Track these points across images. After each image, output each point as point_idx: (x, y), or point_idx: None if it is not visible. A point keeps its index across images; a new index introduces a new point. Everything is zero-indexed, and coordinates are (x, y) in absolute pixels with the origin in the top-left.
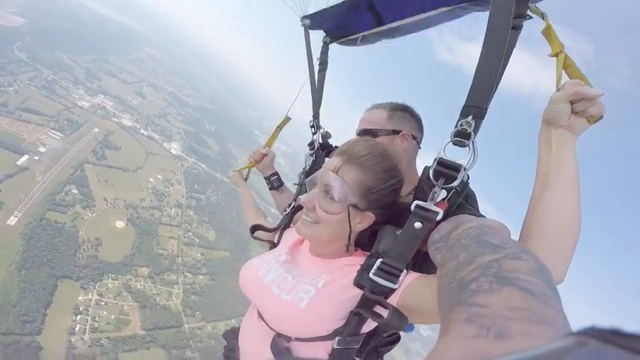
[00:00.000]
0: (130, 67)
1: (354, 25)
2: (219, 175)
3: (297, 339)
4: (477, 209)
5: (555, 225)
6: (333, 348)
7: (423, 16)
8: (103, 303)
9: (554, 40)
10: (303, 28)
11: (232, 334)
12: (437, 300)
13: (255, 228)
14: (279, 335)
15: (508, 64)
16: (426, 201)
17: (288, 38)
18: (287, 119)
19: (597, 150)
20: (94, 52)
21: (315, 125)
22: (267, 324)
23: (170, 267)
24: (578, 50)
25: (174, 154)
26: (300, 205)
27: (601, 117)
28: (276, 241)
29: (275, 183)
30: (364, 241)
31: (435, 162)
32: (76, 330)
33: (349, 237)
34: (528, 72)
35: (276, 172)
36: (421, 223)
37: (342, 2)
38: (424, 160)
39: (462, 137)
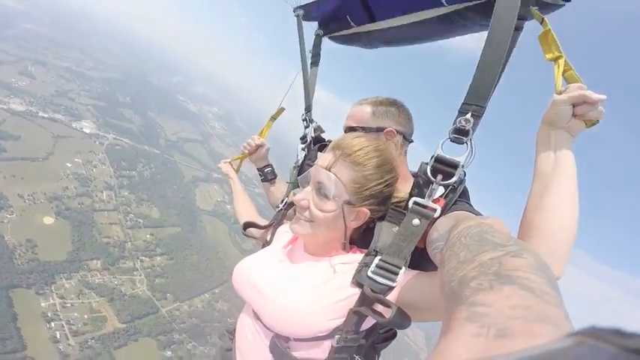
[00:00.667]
0: (3, 45)
1: (347, 19)
2: (147, 147)
3: (296, 339)
4: (470, 204)
5: (556, 226)
6: (332, 346)
7: (414, 16)
8: (69, 305)
9: (554, 45)
10: (296, 19)
11: (228, 335)
12: (438, 299)
13: (247, 225)
14: (277, 336)
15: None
16: (423, 198)
17: None
18: (281, 109)
19: None
20: None
21: (308, 119)
22: (264, 324)
23: (122, 254)
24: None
25: (88, 133)
26: (292, 202)
27: (597, 121)
28: (268, 239)
29: (269, 175)
30: (358, 238)
31: (433, 159)
32: (58, 337)
33: (345, 234)
34: None
35: (270, 164)
36: (419, 219)
37: None
38: (422, 157)
39: (460, 134)
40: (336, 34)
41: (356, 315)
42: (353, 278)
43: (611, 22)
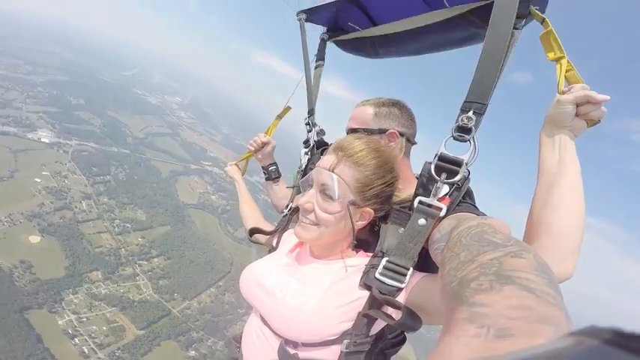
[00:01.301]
0: None
1: (349, 22)
2: (115, 148)
3: (305, 344)
4: (475, 205)
5: (564, 224)
6: (341, 352)
7: (417, 20)
8: (84, 319)
9: (556, 45)
10: (299, 23)
11: (235, 341)
12: (439, 299)
13: (253, 231)
14: (286, 341)
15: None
16: (428, 197)
17: None
18: (288, 108)
19: None
20: None
21: (311, 123)
22: (271, 329)
23: (119, 261)
24: None
25: (48, 143)
26: (297, 206)
27: (599, 121)
28: (275, 244)
29: (273, 174)
30: (363, 240)
31: (436, 157)
32: (87, 352)
33: (353, 235)
34: None
35: (275, 163)
36: (425, 219)
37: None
38: (426, 156)
39: (462, 132)
40: (341, 37)
41: (365, 318)
42: (361, 280)
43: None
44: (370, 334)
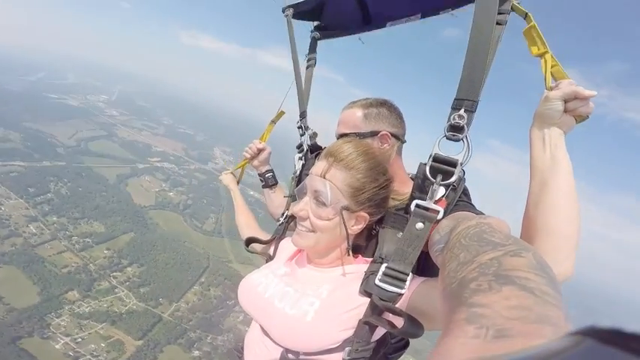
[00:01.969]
0: None
1: (341, 21)
2: (47, 163)
3: (306, 353)
4: (472, 204)
5: (559, 221)
6: (343, 359)
7: (409, 20)
8: (79, 340)
9: (539, 41)
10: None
11: (237, 353)
12: (440, 301)
13: (249, 241)
14: (287, 351)
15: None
16: (424, 200)
17: None
18: (281, 113)
19: None
20: None
21: (303, 126)
22: (272, 340)
23: (92, 277)
24: None
25: None
26: (293, 215)
27: (588, 116)
28: (272, 253)
29: (270, 180)
30: (362, 246)
31: (431, 158)
32: None
33: (348, 240)
34: None
35: (271, 169)
36: (422, 223)
37: None
38: (419, 151)
39: (455, 131)
40: (334, 37)
41: (366, 325)
42: (361, 287)
43: None
44: (372, 341)
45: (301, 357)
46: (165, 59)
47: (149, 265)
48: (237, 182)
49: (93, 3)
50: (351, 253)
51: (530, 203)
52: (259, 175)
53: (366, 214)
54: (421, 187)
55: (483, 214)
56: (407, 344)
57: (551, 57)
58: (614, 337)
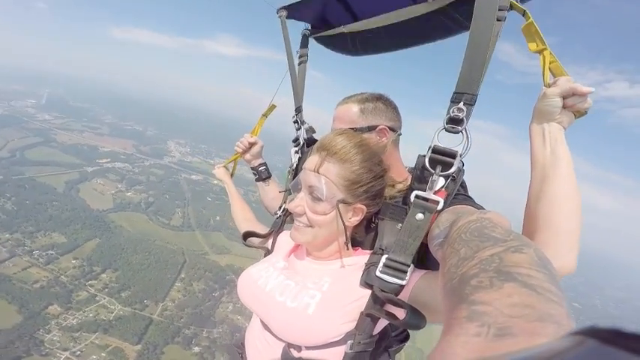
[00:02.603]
0: None
1: (331, 18)
2: None
3: (308, 347)
4: (470, 197)
5: (561, 215)
6: (346, 352)
7: (398, 14)
8: (79, 352)
9: (537, 37)
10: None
11: (237, 349)
12: (440, 297)
13: (247, 235)
14: (289, 345)
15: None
16: (424, 190)
17: None
18: (273, 106)
19: None
20: None
21: (299, 120)
22: (273, 334)
23: (67, 289)
24: None
25: None
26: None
27: (586, 112)
28: (270, 247)
29: (263, 174)
30: (361, 239)
31: (430, 150)
32: None
33: (346, 233)
34: None
35: (265, 163)
36: (422, 213)
37: None
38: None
39: (454, 124)
40: (323, 33)
41: (368, 317)
42: (361, 279)
43: None
44: (374, 333)
45: (303, 351)
46: (98, 57)
47: (124, 268)
48: (231, 176)
49: (1, 6)
50: (350, 245)
51: (531, 197)
52: (252, 168)
53: (363, 206)
54: (420, 178)
55: (483, 208)
56: (407, 337)
57: (550, 53)
58: (614, 337)
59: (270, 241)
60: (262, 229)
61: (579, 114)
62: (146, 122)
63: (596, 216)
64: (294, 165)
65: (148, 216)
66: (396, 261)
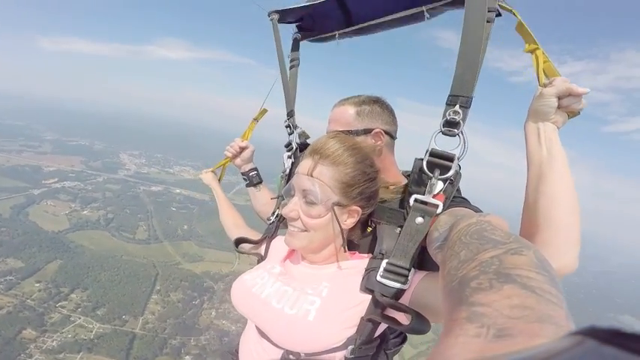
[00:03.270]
0: None
1: (324, 23)
2: None
3: (308, 354)
4: (467, 199)
5: (559, 213)
6: (346, 358)
7: (394, 16)
8: None
9: (529, 37)
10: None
11: (231, 355)
12: (441, 299)
13: (239, 241)
14: (287, 352)
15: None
16: (422, 194)
17: None
18: (264, 111)
19: None
20: None
21: (291, 125)
22: (271, 342)
23: (38, 312)
24: None
25: None
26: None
27: (579, 112)
28: (263, 253)
29: (254, 179)
30: (357, 241)
31: (428, 153)
32: None
33: (342, 235)
34: None
35: (256, 168)
36: (422, 217)
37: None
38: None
39: (451, 127)
40: (315, 38)
41: (369, 322)
42: (362, 284)
43: None
44: (374, 338)
45: (302, 358)
46: (29, 71)
47: (94, 287)
48: (219, 181)
49: None
50: (346, 248)
51: (529, 197)
52: (243, 173)
53: (357, 207)
54: (418, 181)
55: (481, 210)
56: (405, 339)
57: (542, 53)
58: (614, 337)
59: (263, 247)
60: (253, 235)
61: (573, 114)
62: (92, 136)
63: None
64: (287, 170)
65: (110, 232)
66: (396, 265)
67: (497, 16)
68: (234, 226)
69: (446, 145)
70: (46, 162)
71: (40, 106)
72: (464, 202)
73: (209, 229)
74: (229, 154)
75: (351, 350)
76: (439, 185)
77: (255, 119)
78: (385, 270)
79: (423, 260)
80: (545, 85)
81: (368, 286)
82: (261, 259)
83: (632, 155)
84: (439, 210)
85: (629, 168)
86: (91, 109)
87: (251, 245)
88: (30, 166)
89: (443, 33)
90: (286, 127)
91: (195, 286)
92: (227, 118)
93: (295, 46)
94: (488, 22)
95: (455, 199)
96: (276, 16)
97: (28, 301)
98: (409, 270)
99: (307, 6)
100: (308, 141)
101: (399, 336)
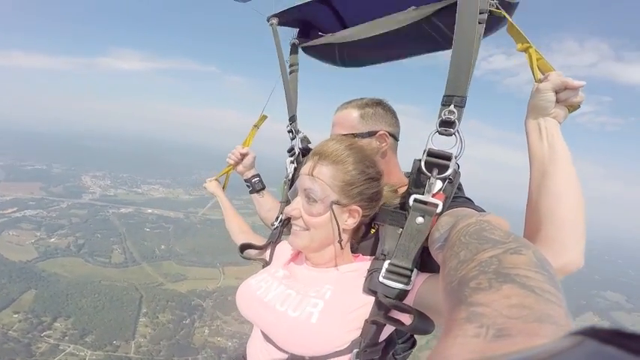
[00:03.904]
0: None
1: (319, 25)
2: None
3: (312, 357)
4: (469, 198)
5: (563, 209)
6: None
7: (385, 23)
8: None
9: (520, 36)
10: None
11: None
12: (441, 299)
13: (244, 247)
14: (292, 356)
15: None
16: (422, 194)
17: None
18: (264, 117)
19: None
20: None
21: (293, 130)
22: (275, 345)
23: (22, 343)
24: None
25: None
26: (288, 217)
27: (579, 106)
28: (268, 259)
29: (257, 185)
30: (360, 244)
31: (425, 153)
32: None
33: (339, 234)
34: None
35: (258, 174)
36: (422, 217)
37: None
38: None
39: (447, 126)
40: (312, 43)
41: (373, 324)
42: (365, 285)
43: None
44: (380, 341)
45: None
46: None
47: (77, 314)
48: (223, 188)
49: None
50: (349, 251)
51: (532, 193)
52: (245, 180)
53: (358, 208)
54: (417, 182)
55: (483, 210)
56: (414, 344)
57: (535, 51)
58: (614, 338)
59: (268, 252)
60: (259, 241)
61: (572, 108)
62: (49, 158)
63: (511, 173)
64: (290, 175)
65: (84, 258)
66: (398, 266)
67: (489, 16)
68: (239, 232)
69: (443, 144)
70: (1, 191)
71: None
72: (466, 202)
73: (188, 247)
74: (231, 162)
75: (356, 353)
76: (438, 184)
77: (255, 126)
78: (387, 271)
79: (426, 262)
80: (540, 81)
81: (371, 288)
82: (266, 264)
83: (581, 139)
84: (439, 209)
85: (586, 151)
86: (44, 129)
87: (256, 251)
88: None
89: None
90: (288, 132)
91: (183, 305)
92: (194, 129)
93: (294, 51)
94: (480, 23)
95: (457, 199)
96: (275, 21)
97: (10, 332)
98: (411, 270)
99: (304, 5)
100: (310, 146)
101: (407, 340)
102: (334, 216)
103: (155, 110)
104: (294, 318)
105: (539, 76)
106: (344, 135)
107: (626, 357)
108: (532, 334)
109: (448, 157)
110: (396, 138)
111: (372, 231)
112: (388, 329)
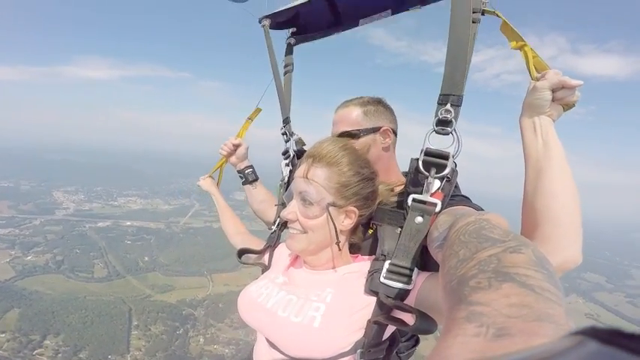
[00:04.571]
0: None
1: (315, 25)
2: None
3: None
4: (467, 197)
5: (559, 206)
6: None
7: (380, 16)
8: None
9: (515, 35)
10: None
11: None
12: (441, 298)
13: (242, 252)
14: None
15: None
16: (420, 194)
17: None
18: (258, 110)
19: None
20: None
21: (287, 132)
22: (280, 351)
23: None
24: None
25: None
26: (285, 221)
27: (574, 104)
28: (267, 263)
29: (250, 176)
30: (359, 244)
31: (422, 152)
32: None
33: (337, 237)
34: None
35: (251, 165)
36: (421, 216)
37: (301, 3)
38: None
39: (443, 125)
40: (309, 41)
41: (376, 325)
42: (366, 286)
43: None
44: (382, 340)
45: None
46: None
47: (66, 331)
48: (217, 184)
49: None
50: (348, 252)
51: (528, 192)
52: (238, 171)
53: (354, 208)
54: (415, 181)
55: (482, 208)
56: (417, 342)
57: (530, 49)
58: (614, 338)
59: (267, 256)
60: (256, 243)
61: (567, 107)
62: (15, 175)
63: (480, 164)
64: (286, 178)
65: (65, 274)
66: (399, 266)
67: (482, 15)
68: (235, 232)
69: (440, 143)
70: None
71: None
72: (464, 201)
73: (172, 257)
74: (224, 153)
75: (359, 354)
76: (436, 184)
77: (249, 118)
78: (388, 271)
79: (426, 261)
80: (537, 79)
81: (372, 288)
82: (265, 268)
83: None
84: (438, 208)
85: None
86: (7, 145)
87: (254, 256)
88: None
89: (376, 32)
90: (282, 134)
91: (174, 315)
92: (168, 137)
93: (289, 51)
94: (473, 22)
95: (455, 197)
96: (267, 22)
97: (0, 352)
98: (412, 270)
99: (295, 6)
100: (304, 148)
101: (411, 338)
102: (331, 218)
103: (125, 119)
104: (297, 323)
105: (536, 74)
106: (348, 131)
107: (626, 357)
108: (532, 334)
109: (446, 156)
110: (396, 135)
111: (371, 231)
112: (391, 328)
